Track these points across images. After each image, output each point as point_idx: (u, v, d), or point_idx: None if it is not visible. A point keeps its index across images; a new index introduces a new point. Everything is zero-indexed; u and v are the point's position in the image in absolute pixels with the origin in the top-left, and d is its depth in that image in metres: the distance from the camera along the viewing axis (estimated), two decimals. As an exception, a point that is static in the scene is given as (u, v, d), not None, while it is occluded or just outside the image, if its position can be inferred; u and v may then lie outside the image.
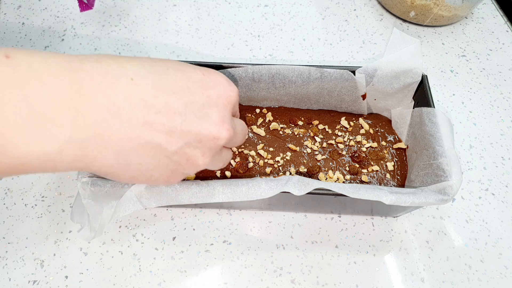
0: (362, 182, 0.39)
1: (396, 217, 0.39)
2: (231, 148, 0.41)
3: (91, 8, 0.47)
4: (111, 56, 0.23)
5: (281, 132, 0.43)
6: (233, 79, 0.40)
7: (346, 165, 0.40)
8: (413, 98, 0.41)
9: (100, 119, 0.21)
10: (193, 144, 0.24)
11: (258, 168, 0.40)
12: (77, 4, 0.47)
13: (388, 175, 0.40)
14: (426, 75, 0.39)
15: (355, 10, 0.60)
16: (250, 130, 0.43)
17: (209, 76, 0.26)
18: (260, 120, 0.43)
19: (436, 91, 0.50)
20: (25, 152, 0.19)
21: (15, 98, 0.18)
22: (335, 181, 0.39)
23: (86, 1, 0.46)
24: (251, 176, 0.39)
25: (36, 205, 0.39)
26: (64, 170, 0.21)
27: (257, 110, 0.44)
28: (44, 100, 0.19)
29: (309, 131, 0.43)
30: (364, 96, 0.42)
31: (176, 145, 0.24)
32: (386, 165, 0.40)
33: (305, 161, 0.41)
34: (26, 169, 0.20)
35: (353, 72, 0.39)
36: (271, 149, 0.41)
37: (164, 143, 0.23)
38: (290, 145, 0.41)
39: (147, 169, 0.24)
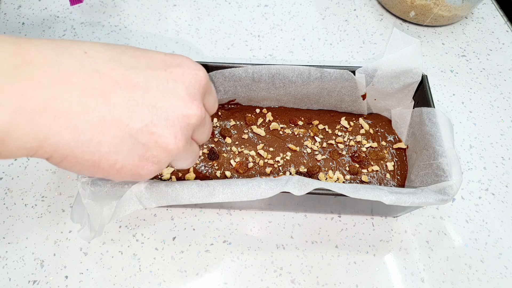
0: (362, 182, 0.39)
1: (396, 217, 0.39)
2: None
3: (81, 1, 0.45)
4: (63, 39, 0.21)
5: (281, 132, 0.43)
6: (233, 79, 0.40)
7: (346, 165, 0.40)
8: (413, 98, 0.41)
9: (51, 88, 0.19)
10: (161, 123, 0.22)
11: (258, 168, 0.40)
12: None
13: (388, 175, 0.40)
14: (426, 75, 0.39)
15: (355, 10, 0.60)
16: (250, 130, 0.43)
17: (172, 56, 0.24)
18: (260, 120, 0.43)
19: (436, 91, 0.50)
20: None
21: None
22: (335, 181, 0.39)
23: None
24: (251, 176, 0.39)
25: (36, 205, 0.39)
26: (16, 152, 0.19)
27: (257, 110, 0.44)
28: None
29: (309, 131, 0.43)
30: (364, 96, 0.42)
31: (140, 122, 0.21)
32: (386, 165, 0.40)
33: (305, 161, 0.41)
34: None
35: (353, 72, 0.39)
36: (271, 149, 0.41)
37: (125, 118, 0.21)
38: (290, 145, 0.41)
39: (109, 151, 0.21)
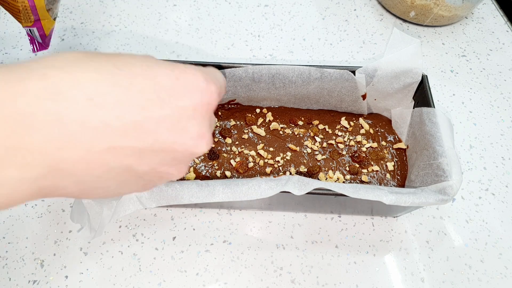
0: (362, 182, 0.39)
1: (396, 217, 0.39)
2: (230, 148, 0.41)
3: (46, 48, 0.41)
4: (64, 64, 0.18)
5: (281, 132, 0.43)
6: (233, 79, 0.40)
7: (346, 165, 0.40)
8: (413, 98, 0.41)
9: (54, 153, 0.17)
10: (168, 162, 0.22)
11: (258, 168, 0.40)
12: (30, 45, 0.40)
13: (388, 175, 0.39)
14: (426, 75, 0.39)
15: (355, 10, 0.60)
16: (250, 130, 0.43)
17: (184, 80, 0.21)
18: (260, 120, 0.43)
19: (436, 91, 0.50)
20: None
21: None
22: (335, 181, 0.39)
23: (40, 41, 0.38)
24: (251, 176, 0.39)
25: (36, 205, 0.39)
26: (22, 203, 0.19)
27: (257, 110, 0.44)
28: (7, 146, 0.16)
29: (309, 131, 0.43)
30: (364, 96, 0.42)
31: (147, 166, 0.21)
32: (386, 165, 0.40)
33: (305, 161, 0.41)
34: None
35: (353, 72, 0.39)
36: (271, 149, 0.41)
37: (134, 165, 0.20)
38: (290, 145, 0.41)
39: (115, 189, 0.21)
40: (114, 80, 0.19)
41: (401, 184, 0.39)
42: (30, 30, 0.37)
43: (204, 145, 0.22)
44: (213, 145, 0.41)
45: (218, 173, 0.39)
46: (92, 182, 0.20)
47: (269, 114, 0.44)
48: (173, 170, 0.23)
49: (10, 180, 0.17)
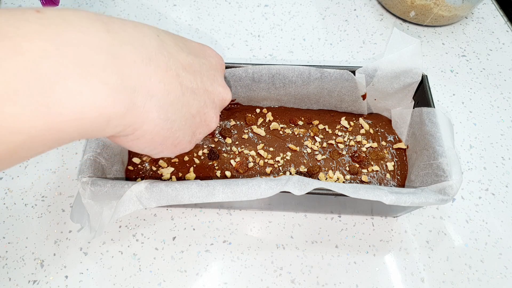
0: (362, 182, 0.39)
1: (396, 217, 0.39)
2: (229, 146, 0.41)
3: (56, 5, 0.41)
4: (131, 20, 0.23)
5: (281, 132, 0.43)
6: (233, 79, 0.40)
7: (346, 165, 0.40)
8: (413, 98, 0.41)
9: (143, 69, 0.21)
10: (209, 104, 0.26)
11: (258, 168, 0.40)
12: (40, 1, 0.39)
13: (388, 175, 0.39)
14: (426, 75, 0.39)
15: (355, 10, 0.60)
16: (250, 130, 0.43)
17: (206, 48, 0.29)
18: (260, 120, 0.43)
19: (436, 91, 0.50)
20: (81, 103, 0.18)
21: (60, 49, 0.17)
22: (335, 181, 0.39)
23: None
24: (251, 176, 0.39)
25: (36, 205, 0.39)
26: (112, 130, 0.20)
27: (257, 110, 0.44)
28: (88, 49, 0.18)
29: (309, 131, 0.43)
30: (364, 96, 0.42)
31: (198, 103, 0.25)
32: (386, 165, 0.40)
33: (305, 161, 0.41)
34: (81, 126, 0.19)
35: (353, 72, 0.39)
36: (271, 149, 0.41)
37: (190, 100, 0.24)
38: (290, 145, 0.41)
39: (177, 128, 0.24)
40: (167, 33, 0.25)
41: (401, 184, 0.39)
42: None
43: (229, 94, 0.28)
44: (213, 145, 0.41)
45: (218, 173, 0.39)
46: (167, 110, 0.23)
47: (269, 114, 0.44)
48: (212, 113, 0.27)
49: (112, 84, 0.19)
